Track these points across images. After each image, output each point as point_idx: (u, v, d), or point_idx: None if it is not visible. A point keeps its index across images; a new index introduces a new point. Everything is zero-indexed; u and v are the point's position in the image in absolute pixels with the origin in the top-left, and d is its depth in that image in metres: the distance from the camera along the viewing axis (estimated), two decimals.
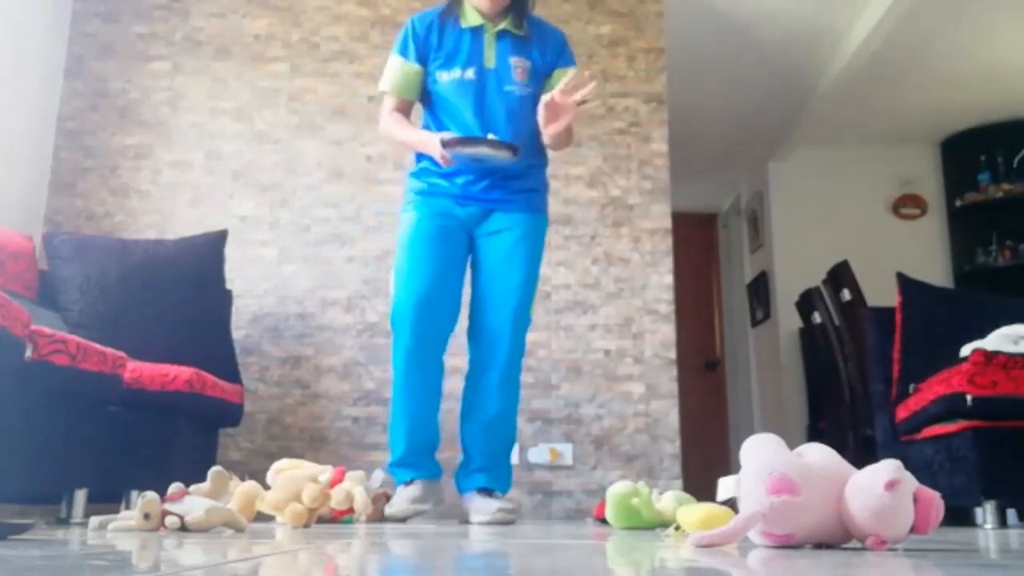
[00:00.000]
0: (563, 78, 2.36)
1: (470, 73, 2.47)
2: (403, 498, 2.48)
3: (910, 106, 5.26)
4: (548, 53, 2.55)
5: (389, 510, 2.50)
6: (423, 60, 2.50)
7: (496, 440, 2.53)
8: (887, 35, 4.29)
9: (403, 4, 3.87)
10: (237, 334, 3.38)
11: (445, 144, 2.34)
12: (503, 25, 2.50)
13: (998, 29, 4.39)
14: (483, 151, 2.35)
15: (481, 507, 2.42)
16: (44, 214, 3.63)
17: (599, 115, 3.79)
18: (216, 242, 3.18)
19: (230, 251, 3.31)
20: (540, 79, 2.53)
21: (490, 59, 2.49)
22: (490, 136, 2.39)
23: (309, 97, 3.79)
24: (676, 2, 4.14)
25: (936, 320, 3.14)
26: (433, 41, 2.48)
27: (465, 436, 2.56)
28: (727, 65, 4.83)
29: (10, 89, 3.46)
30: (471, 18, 2.50)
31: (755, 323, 6.17)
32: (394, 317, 2.48)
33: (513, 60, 2.49)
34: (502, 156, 2.35)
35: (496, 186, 2.48)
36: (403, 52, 2.51)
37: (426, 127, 2.56)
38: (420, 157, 2.56)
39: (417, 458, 2.51)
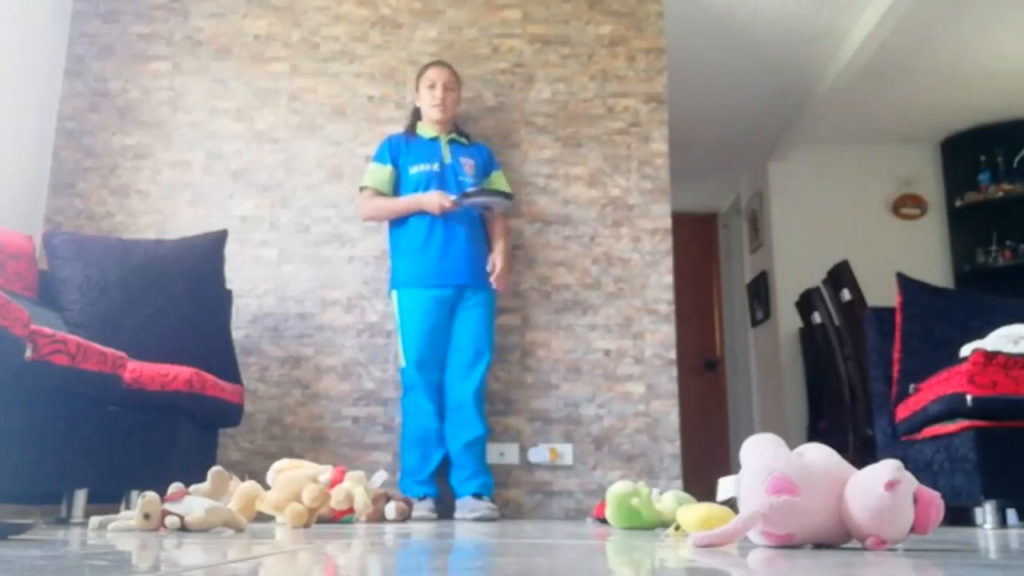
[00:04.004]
0: (497, 180, 3.47)
1: (435, 166, 3.36)
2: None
3: (910, 106, 5.26)
4: (484, 159, 3.48)
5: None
6: (395, 162, 3.38)
7: (479, 456, 3.22)
8: (887, 35, 4.29)
9: (403, 4, 3.87)
10: (237, 334, 3.38)
11: (466, 195, 3.23)
12: (452, 136, 3.44)
13: (998, 29, 4.40)
14: (494, 199, 3.29)
15: (474, 506, 3.07)
16: (44, 214, 3.63)
17: (599, 115, 3.79)
18: (216, 242, 3.18)
19: (230, 251, 3.31)
20: (482, 175, 3.42)
21: (447, 157, 3.39)
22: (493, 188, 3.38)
23: (309, 97, 3.79)
24: (676, 2, 4.14)
25: (936, 320, 3.14)
26: (403, 149, 3.40)
27: (454, 453, 3.21)
28: (727, 65, 4.83)
29: (10, 89, 3.46)
30: (427, 133, 3.43)
31: (755, 323, 6.17)
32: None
33: (463, 159, 3.41)
34: (502, 200, 3.32)
35: (463, 266, 3.26)
36: (380, 159, 3.40)
37: (400, 219, 3.33)
38: (396, 240, 3.35)
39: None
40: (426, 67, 3.47)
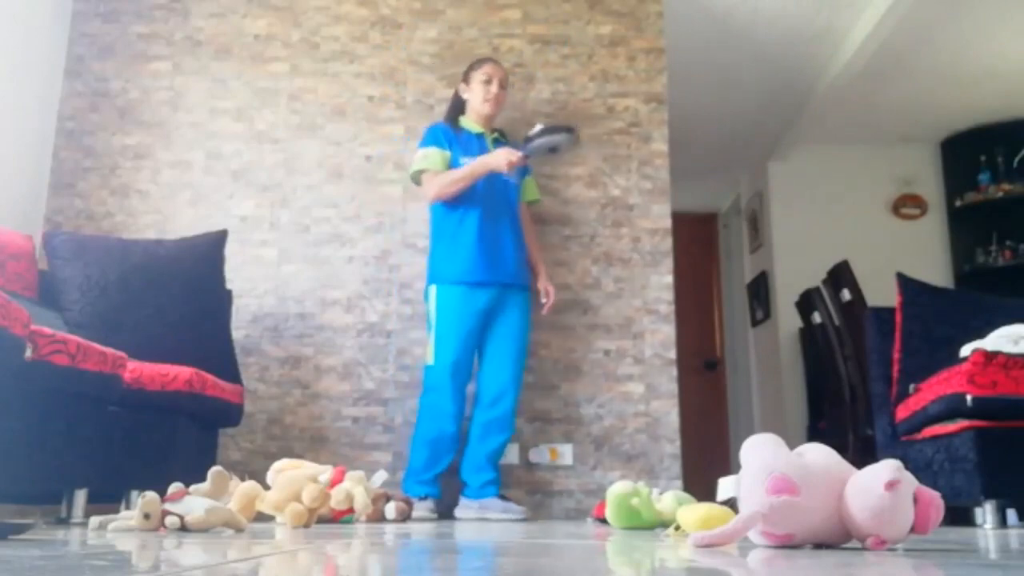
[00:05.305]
0: (529, 185, 3.52)
1: None
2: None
3: (910, 106, 5.27)
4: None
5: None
6: (450, 148, 3.32)
7: (499, 459, 3.25)
8: (887, 35, 4.29)
9: (403, 4, 3.87)
10: (237, 334, 3.38)
11: (528, 140, 3.16)
12: (495, 136, 3.45)
13: (998, 29, 4.40)
14: (557, 137, 3.15)
15: (510, 508, 3.10)
16: (44, 214, 3.63)
17: (599, 115, 3.79)
18: (216, 242, 3.18)
19: (230, 251, 3.31)
20: (520, 176, 3.40)
21: None
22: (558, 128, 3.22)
23: (309, 97, 3.79)
24: (676, 2, 4.14)
25: (936, 320, 3.14)
26: (453, 139, 3.35)
27: (484, 455, 3.20)
28: (727, 65, 4.83)
29: (10, 89, 3.46)
30: (473, 127, 3.40)
31: (755, 323, 6.17)
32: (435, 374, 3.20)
33: None
34: (567, 136, 3.16)
35: (509, 265, 3.24)
36: (438, 144, 3.32)
37: (445, 212, 3.26)
38: (441, 233, 3.28)
39: None
40: (482, 62, 3.42)
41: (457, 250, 3.21)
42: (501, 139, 3.46)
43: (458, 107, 3.44)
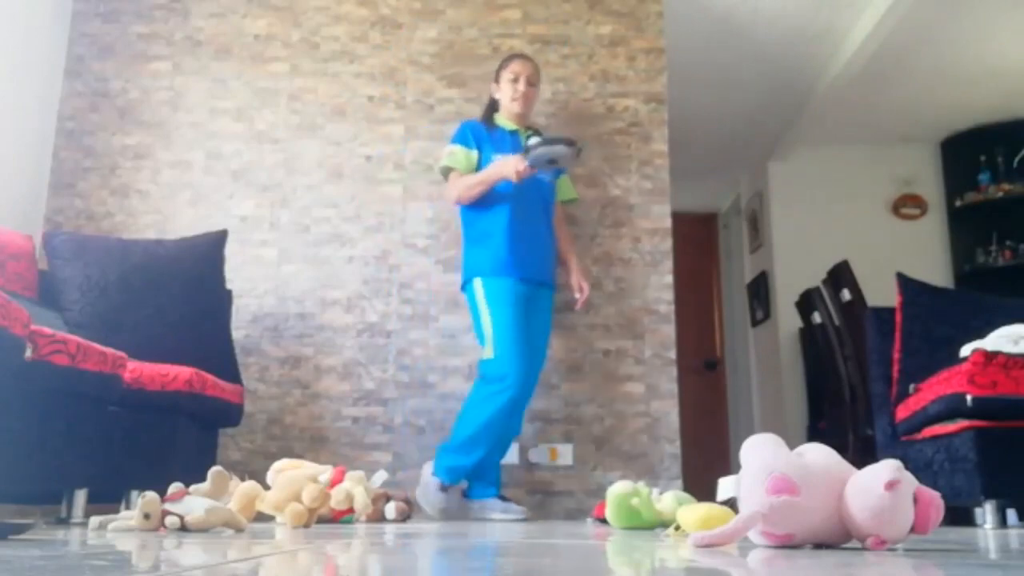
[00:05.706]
0: (564, 183, 3.49)
1: None
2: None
3: (910, 106, 5.27)
4: None
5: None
6: (479, 148, 3.31)
7: (499, 460, 3.20)
8: (887, 35, 4.29)
9: (403, 4, 3.87)
10: (237, 334, 3.38)
11: (528, 150, 3.06)
12: (529, 133, 3.36)
13: (998, 29, 4.40)
14: (557, 148, 3.05)
15: (510, 508, 3.08)
16: (44, 214, 3.63)
17: (599, 115, 3.79)
18: (216, 242, 3.18)
19: (230, 251, 3.31)
20: (555, 175, 3.35)
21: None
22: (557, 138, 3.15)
23: (309, 97, 3.79)
24: (676, 2, 4.14)
25: (936, 320, 3.14)
26: (485, 136, 3.32)
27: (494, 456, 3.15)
28: (727, 65, 4.83)
29: (10, 89, 3.46)
30: (507, 124, 3.38)
31: (755, 323, 6.17)
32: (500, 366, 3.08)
33: None
34: (566, 149, 3.06)
35: (546, 263, 3.26)
36: (464, 142, 3.30)
37: (484, 207, 3.22)
38: (475, 226, 3.24)
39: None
40: (510, 59, 3.40)
41: (499, 244, 3.17)
42: (535, 136, 3.35)
43: (493, 106, 3.43)
